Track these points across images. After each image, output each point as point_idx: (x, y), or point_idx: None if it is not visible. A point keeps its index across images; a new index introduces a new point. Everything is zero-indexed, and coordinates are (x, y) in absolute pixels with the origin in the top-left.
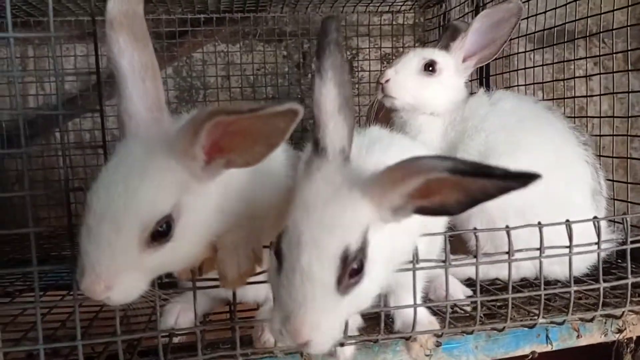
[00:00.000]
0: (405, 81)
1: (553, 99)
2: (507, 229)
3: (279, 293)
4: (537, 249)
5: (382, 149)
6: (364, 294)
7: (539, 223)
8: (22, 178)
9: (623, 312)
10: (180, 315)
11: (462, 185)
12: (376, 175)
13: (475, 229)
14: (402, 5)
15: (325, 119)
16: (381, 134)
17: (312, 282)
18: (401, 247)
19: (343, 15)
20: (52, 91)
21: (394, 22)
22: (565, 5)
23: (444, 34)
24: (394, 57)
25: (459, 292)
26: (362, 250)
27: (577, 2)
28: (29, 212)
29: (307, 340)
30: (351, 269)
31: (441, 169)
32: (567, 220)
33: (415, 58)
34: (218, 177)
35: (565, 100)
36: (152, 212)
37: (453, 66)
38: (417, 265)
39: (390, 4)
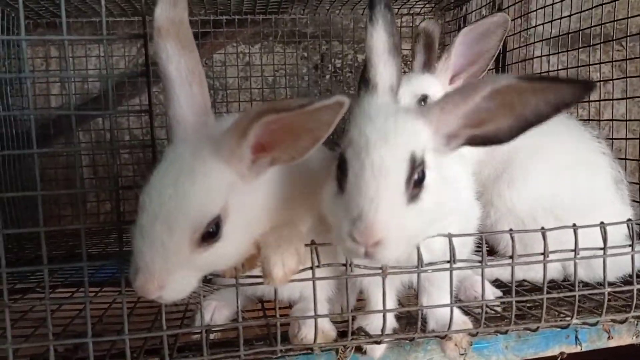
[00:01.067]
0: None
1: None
2: (543, 230)
3: (345, 199)
4: (572, 250)
5: None
6: (426, 212)
7: (574, 225)
8: (45, 176)
9: None
10: (215, 312)
11: (517, 106)
12: (436, 101)
13: (511, 230)
14: (422, 8)
15: (376, 60)
16: None
17: (386, 175)
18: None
19: (362, 17)
20: (75, 91)
21: (412, 25)
22: (590, 9)
23: (416, 43)
24: (410, 60)
25: (489, 292)
26: (423, 164)
27: (595, 7)
28: (80, 207)
29: (379, 238)
30: (416, 179)
31: (509, 77)
32: (602, 223)
33: (405, 95)
34: (263, 176)
35: (583, 103)
36: (203, 215)
37: (441, 92)
38: (454, 266)
39: (410, 6)
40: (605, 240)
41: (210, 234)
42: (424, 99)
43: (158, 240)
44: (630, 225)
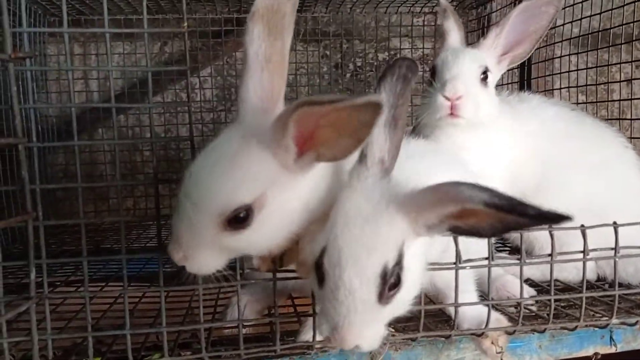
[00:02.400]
0: (477, 97)
1: (596, 102)
2: (583, 228)
3: (324, 305)
4: (612, 249)
5: (419, 164)
6: (403, 300)
7: (614, 223)
8: (68, 172)
9: None
10: (247, 307)
11: (497, 215)
12: (414, 193)
13: (550, 226)
14: None
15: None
16: (422, 148)
17: (354, 298)
18: (436, 250)
19: (384, 15)
20: (98, 88)
21: (434, 24)
22: (613, 9)
23: (446, 20)
24: (433, 58)
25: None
26: (399, 264)
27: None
28: (120, 201)
29: (353, 346)
30: (390, 283)
31: (477, 201)
32: None
33: (473, 66)
34: (309, 173)
35: (605, 102)
36: (231, 200)
37: (494, 69)
38: (493, 263)
39: (433, 5)
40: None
41: (239, 219)
42: (485, 71)
43: (186, 215)
44: None
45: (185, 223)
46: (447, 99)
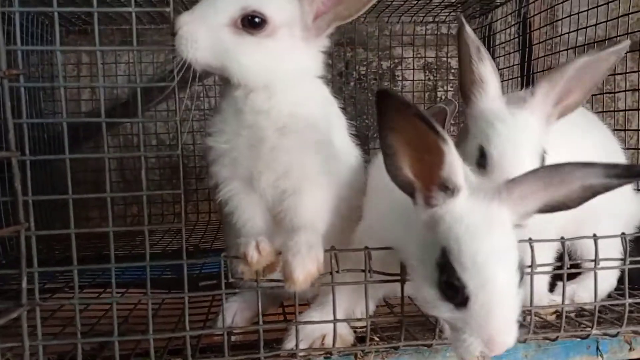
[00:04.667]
0: None
1: (602, 111)
2: (623, 236)
3: (471, 319)
4: (592, 260)
5: None
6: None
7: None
8: (75, 179)
9: None
10: (237, 314)
11: (589, 183)
12: (514, 184)
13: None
14: (447, 16)
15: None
16: None
17: (509, 300)
18: None
19: (387, 24)
20: (105, 96)
21: (437, 32)
22: (618, 17)
23: None
24: (436, 67)
25: None
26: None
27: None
28: (145, 208)
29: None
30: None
31: (598, 175)
32: (623, 233)
33: (535, 160)
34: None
35: (609, 111)
36: (257, 4)
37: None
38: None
39: (435, 14)
40: (626, 251)
41: (253, 23)
42: (543, 155)
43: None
44: None
45: (208, 3)
46: None
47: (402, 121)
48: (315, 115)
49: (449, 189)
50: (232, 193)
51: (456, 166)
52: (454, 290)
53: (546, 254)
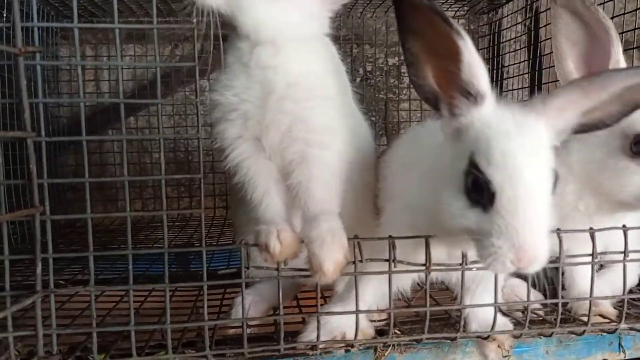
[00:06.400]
0: None
1: None
2: (592, 231)
3: (497, 221)
4: (622, 252)
5: None
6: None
7: (624, 226)
8: (78, 173)
9: None
10: (252, 306)
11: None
12: (552, 97)
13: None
14: (456, 12)
15: None
16: None
17: (540, 200)
18: None
19: (394, 20)
20: (109, 90)
21: None
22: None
23: None
24: None
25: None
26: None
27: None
28: (163, 197)
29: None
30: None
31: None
32: None
33: None
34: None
35: None
36: None
37: None
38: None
39: (444, 10)
40: None
41: None
42: None
43: None
44: None
45: None
46: None
47: (420, 20)
48: (325, 72)
49: (471, 95)
50: (242, 157)
51: (477, 68)
52: (480, 190)
53: None
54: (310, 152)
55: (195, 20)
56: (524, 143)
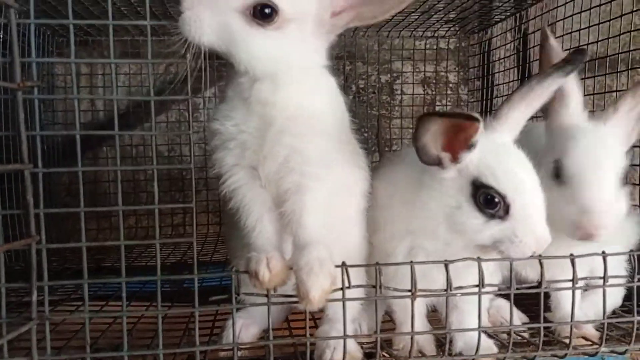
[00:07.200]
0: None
1: None
2: (572, 257)
3: (517, 223)
4: (601, 277)
5: None
6: None
7: (603, 252)
8: (71, 190)
9: None
10: (242, 330)
11: None
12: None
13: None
14: (446, 32)
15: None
16: None
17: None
18: None
19: (387, 39)
20: (104, 107)
21: (436, 47)
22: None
23: None
24: (434, 81)
25: (515, 318)
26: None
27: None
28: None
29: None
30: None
31: None
32: (631, 250)
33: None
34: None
35: None
36: None
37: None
38: (483, 290)
39: (434, 30)
40: (634, 269)
41: (264, 14)
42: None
43: None
44: None
45: None
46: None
47: (437, 126)
48: (323, 106)
49: (473, 146)
50: (238, 184)
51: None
52: (494, 205)
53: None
54: (305, 183)
55: (187, 57)
56: (519, 158)
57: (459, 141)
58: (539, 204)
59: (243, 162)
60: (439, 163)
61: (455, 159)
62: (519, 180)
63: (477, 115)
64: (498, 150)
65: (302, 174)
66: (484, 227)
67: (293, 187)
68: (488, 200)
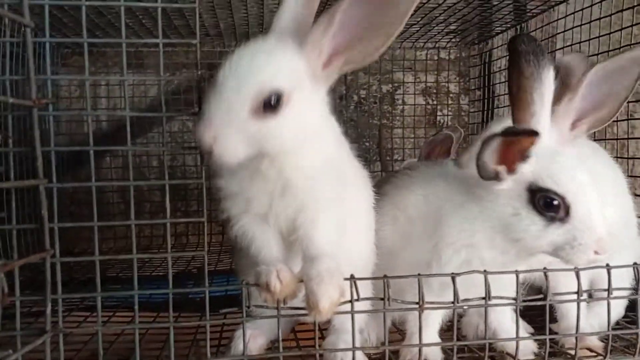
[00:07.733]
0: None
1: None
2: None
3: (578, 224)
4: (605, 290)
5: None
6: None
7: (607, 265)
8: (75, 199)
9: None
10: (250, 341)
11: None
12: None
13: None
14: (447, 43)
15: None
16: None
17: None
18: None
19: (388, 49)
20: (107, 117)
21: (437, 58)
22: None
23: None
24: (435, 91)
25: (522, 330)
26: None
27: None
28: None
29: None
30: None
31: None
32: (635, 263)
33: None
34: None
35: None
36: (267, 84)
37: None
38: (489, 303)
39: (436, 41)
40: (637, 280)
41: (270, 105)
42: None
43: (225, 96)
44: None
45: (222, 105)
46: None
47: (495, 144)
48: (335, 155)
49: (529, 157)
50: (246, 228)
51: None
52: (555, 208)
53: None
54: (319, 219)
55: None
56: (574, 159)
57: (513, 153)
58: (598, 204)
59: (251, 210)
60: (496, 177)
61: (511, 170)
62: (578, 181)
63: (536, 129)
64: (551, 153)
65: (315, 210)
66: (544, 232)
67: (306, 222)
68: (548, 203)
